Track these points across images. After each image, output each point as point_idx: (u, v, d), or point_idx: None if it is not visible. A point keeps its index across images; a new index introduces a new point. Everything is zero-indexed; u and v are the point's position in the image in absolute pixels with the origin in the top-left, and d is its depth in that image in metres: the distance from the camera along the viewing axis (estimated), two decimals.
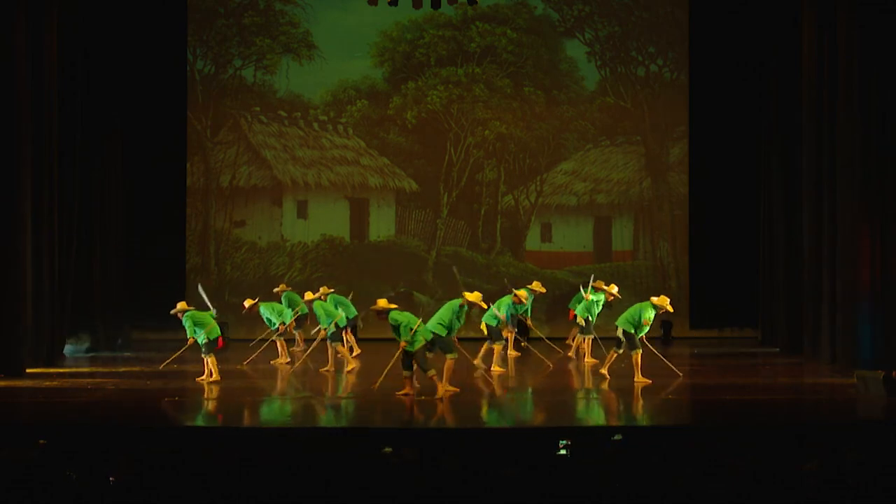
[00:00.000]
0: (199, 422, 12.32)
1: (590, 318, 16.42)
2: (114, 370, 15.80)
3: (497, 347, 16.01)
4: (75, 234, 17.98)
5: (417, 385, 13.25)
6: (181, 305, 14.51)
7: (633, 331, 14.14)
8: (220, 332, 14.41)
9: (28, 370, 15.15)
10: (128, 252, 19.54)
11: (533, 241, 21.04)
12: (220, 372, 14.56)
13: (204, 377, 14.40)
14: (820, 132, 16.29)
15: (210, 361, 14.39)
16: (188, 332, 14.24)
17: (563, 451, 9.56)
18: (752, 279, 19.55)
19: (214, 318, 14.46)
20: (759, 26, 19.17)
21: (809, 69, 16.67)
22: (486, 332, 16.15)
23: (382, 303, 13.38)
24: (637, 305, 14.31)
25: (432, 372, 13.00)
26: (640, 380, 14.12)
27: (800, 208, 17.36)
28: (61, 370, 15.69)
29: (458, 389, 13.45)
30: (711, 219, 20.53)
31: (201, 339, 14.21)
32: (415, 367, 13.08)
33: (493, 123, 20.91)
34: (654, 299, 14.28)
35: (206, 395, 13.59)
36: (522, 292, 15.95)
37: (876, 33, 14.69)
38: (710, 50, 20.39)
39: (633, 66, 21.07)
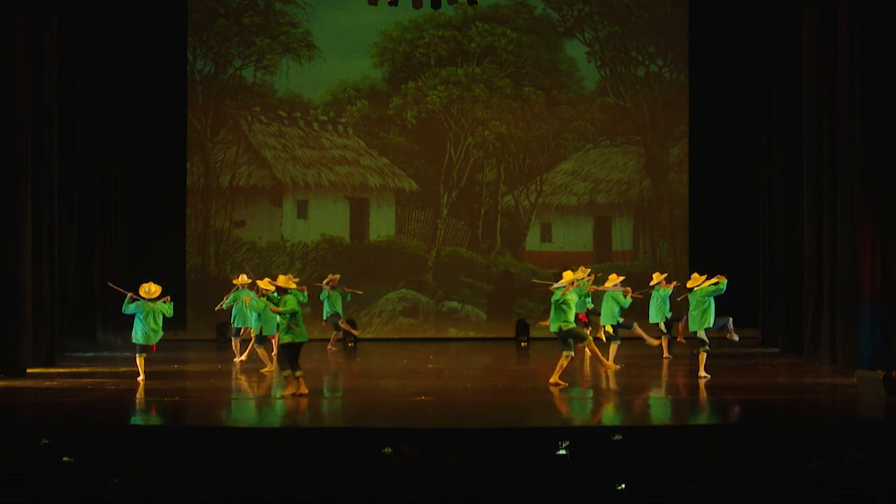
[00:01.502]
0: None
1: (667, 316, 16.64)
2: (114, 370, 15.79)
3: (615, 346, 15.97)
4: (75, 235, 17.99)
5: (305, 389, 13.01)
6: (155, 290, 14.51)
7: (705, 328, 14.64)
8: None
9: (28, 370, 15.15)
10: (128, 252, 19.54)
11: (533, 241, 21.04)
12: (213, 372, 14.58)
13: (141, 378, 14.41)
14: (820, 132, 16.30)
15: (139, 362, 14.46)
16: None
17: (562, 451, 9.57)
18: (752, 279, 19.54)
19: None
20: (759, 25, 19.17)
21: (810, 68, 16.67)
22: (611, 332, 16.08)
23: (282, 280, 13.25)
24: (697, 308, 14.66)
25: (287, 372, 12.93)
26: (703, 374, 14.57)
27: (800, 208, 17.36)
28: (61, 370, 15.69)
29: (566, 384, 13.70)
30: (711, 219, 20.53)
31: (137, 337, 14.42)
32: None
33: (493, 123, 20.91)
34: (691, 283, 14.87)
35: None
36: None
37: (877, 31, 14.69)
38: (710, 50, 20.39)
39: (633, 66, 21.07)
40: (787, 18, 17.70)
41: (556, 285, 14.18)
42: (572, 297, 13.90)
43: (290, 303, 12.98)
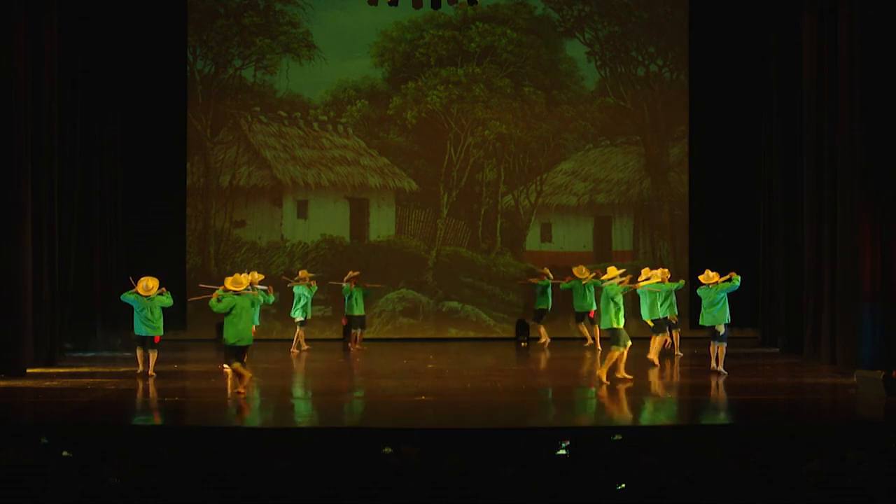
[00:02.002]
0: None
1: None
2: (114, 370, 15.79)
3: (659, 339, 16.06)
4: (75, 235, 17.98)
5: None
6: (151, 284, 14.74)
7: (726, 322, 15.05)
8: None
9: (28, 370, 15.15)
10: (128, 252, 19.53)
11: (533, 241, 21.04)
12: (213, 372, 14.57)
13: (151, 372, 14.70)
14: (820, 132, 16.30)
15: (138, 354, 14.91)
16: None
17: (563, 451, 9.56)
18: (752, 279, 19.52)
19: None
20: (759, 25, 19.17)
21: (810, 68, 16.67)
22: (651, 325, 16.23)
23: (229, 281, 13.40)
24: (713, 305, 15.05)
25: (237, 365, 13.10)
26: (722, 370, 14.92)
27: (800, 208, 17.36)
28: (61, 370, 15.69)
29: (631, 377, 14.10)
30: (711, 219, 20.53)
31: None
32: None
33: (493, 123, 20.91)
34: (704, 279, 15.17)
35: (198, 396, 13.58)
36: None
37: (877, 31, 14.69)
38: (710, 50, 20.40)
39: (633, 66, 21.07)
40: (787, 18, 17.70)
41: (603, 280, 14.58)
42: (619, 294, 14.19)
43: (224, 303, 13.05)
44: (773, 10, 18.50)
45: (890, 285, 14.65)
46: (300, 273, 18.35)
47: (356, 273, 18.63)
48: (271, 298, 13.98)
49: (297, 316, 18.05)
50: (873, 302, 14.70)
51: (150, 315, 14.66)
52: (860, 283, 14.89)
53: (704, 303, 15.26)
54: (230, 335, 13.02)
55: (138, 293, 14.60)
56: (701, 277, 15.38)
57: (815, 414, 12.53)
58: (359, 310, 18.43)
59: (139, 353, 14.78)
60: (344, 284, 18.42)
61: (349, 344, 18.52)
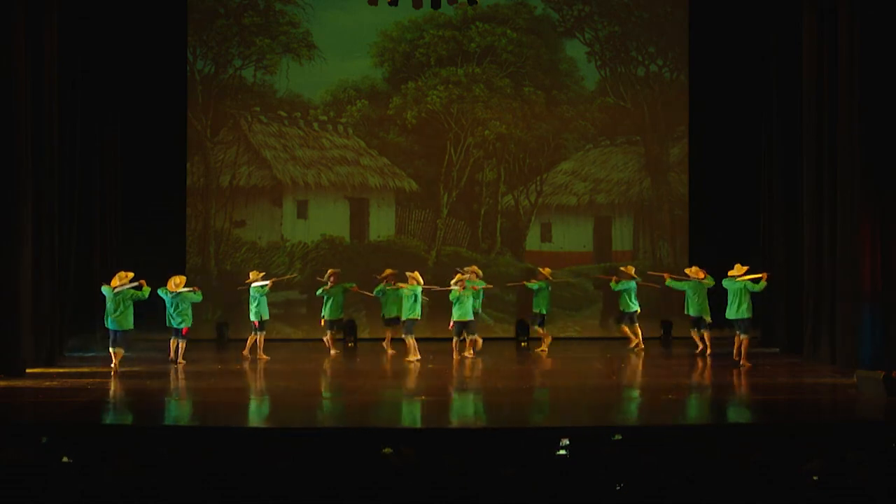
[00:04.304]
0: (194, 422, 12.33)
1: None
2: (114, 370, 15.78)
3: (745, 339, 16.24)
4: (75, 235, 17.99)
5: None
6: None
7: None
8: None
9: (28, 370, 15.15)
10: (128, 252, 19.52)
11: (533, 241, 21.03)
12: (217, 372, 14.56)
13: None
14: (820, 132, 16.30)
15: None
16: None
17: (563, 451, 9.57)
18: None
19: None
20: (759, 25, 19.17)
21: (810, 68, 16.68)
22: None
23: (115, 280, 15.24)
24: (741, 294, 15.81)
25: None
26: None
27: (800, 208, 17.36)
28: (61, 370, 15.69)
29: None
30: (711, 219, 20.52)
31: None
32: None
33: (493, 123, 20.90)
34: (733, 272, 16.11)
35: (200, 395, 13.58)
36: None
37: (877, 31, 14.69)
38: (710, 50, 20.39)
39: (633, 66, 21.07)
40: (787, 18, 17.70)
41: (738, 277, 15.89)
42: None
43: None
44: (773, 10, 18.50)
45: (890, 285, 14.65)
46: (385, 271, 18.15)
47: (465, 276, 17.35)
48: (145, 294, 15.62)
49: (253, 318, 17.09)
50: (873, 302, 14.70)
51: (179, 308, 16.04)
52: (860, 283, 14.89)
53: (732, 297, 15.92)
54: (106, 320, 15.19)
55: (167, 289, 16.01)
56: (730, 272, 16.09)
57: (815, 414, 12.54)
58: (469, 314, 17.06)
59: (118, 351, 15.48)
60: (453, 289, 17.10)
61: (464, 353, 17.18)
